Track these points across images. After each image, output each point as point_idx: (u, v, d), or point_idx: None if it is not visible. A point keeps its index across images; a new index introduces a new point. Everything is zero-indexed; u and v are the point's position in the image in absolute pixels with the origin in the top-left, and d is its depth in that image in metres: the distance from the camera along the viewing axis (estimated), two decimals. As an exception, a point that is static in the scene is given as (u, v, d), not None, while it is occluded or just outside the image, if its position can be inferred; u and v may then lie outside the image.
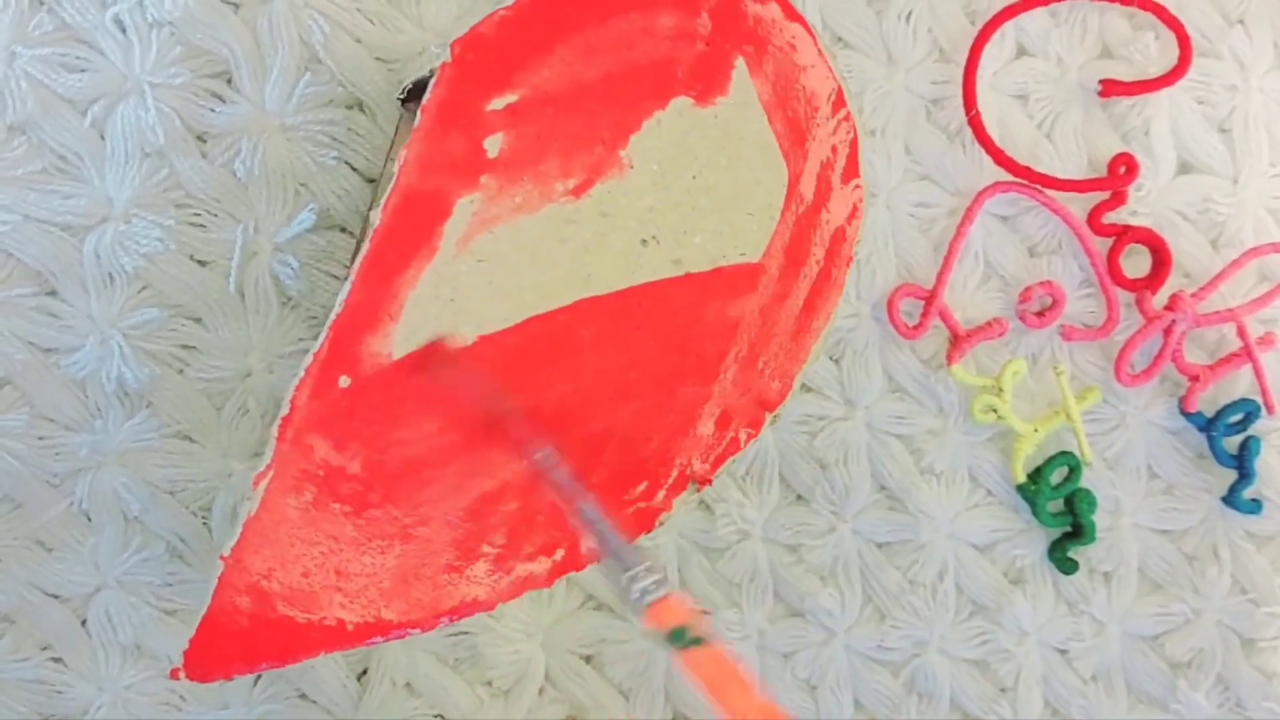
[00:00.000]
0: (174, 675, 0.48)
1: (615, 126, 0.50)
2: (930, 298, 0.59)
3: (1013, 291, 0.60)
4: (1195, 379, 0.60)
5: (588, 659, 0.60)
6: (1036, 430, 0.60)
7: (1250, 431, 0.61)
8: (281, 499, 0.48)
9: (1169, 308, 0.59)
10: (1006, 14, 0.58)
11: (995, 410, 0.59)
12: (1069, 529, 0.61)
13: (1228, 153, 0.61)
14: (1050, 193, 0.59)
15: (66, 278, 0.55)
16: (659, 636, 0.42)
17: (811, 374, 0.59)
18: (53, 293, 0.55)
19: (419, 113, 0.47)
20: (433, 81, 0.47)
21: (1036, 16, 0.60)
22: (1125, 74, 0.60)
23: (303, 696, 0.58)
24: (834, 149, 0.54)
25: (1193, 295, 0.59)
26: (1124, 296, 0.60)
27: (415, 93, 0.52)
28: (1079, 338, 0.60)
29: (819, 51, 0.52)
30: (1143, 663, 0.62)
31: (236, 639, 0.48)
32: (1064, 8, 0.60)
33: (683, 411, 0.53)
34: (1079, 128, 0.60)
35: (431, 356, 0.48)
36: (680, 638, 0.41)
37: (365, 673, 0.58)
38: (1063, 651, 0.62)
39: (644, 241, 0.51)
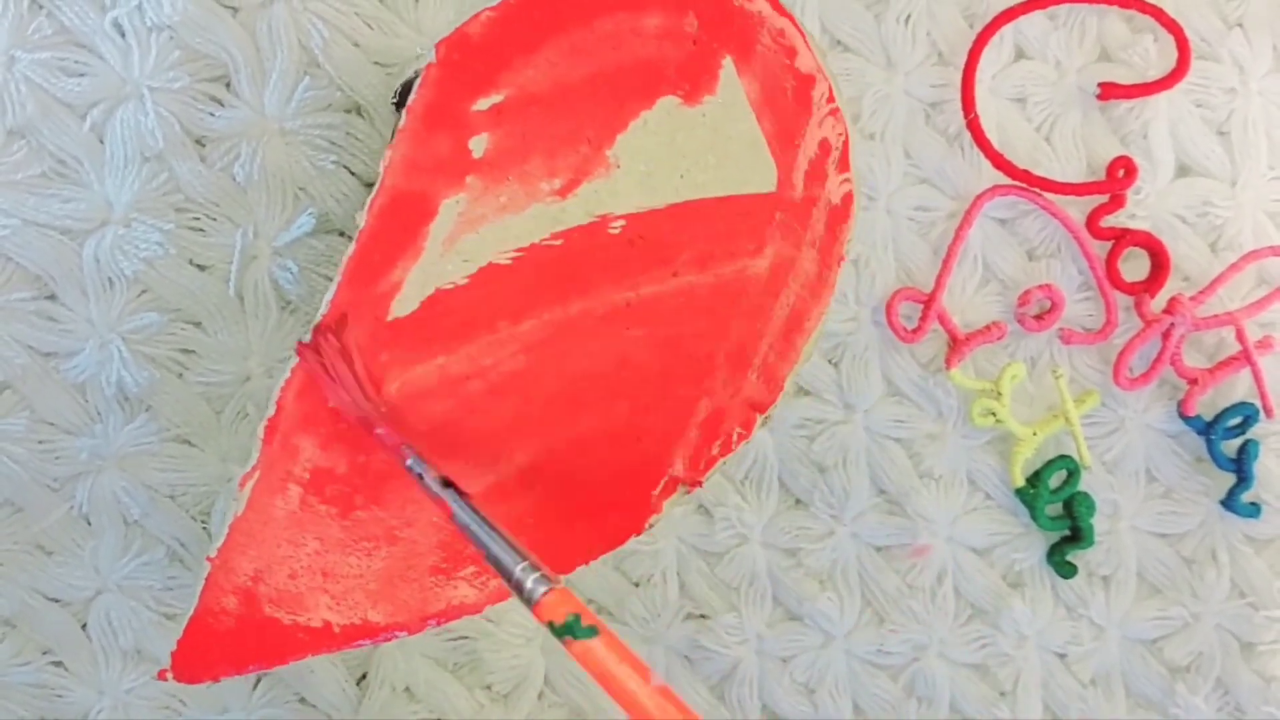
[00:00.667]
0: (161, 676, 0.48)
1: (601, 126, 0.50)
2: (929, 301, 0.59)
3: (1011, 295, 0.60)
4: (1194, 382, 0.60)
5: (587, 663, 0.60)
6: (1035, 434, 0.60)
7: (1249, 435, 0.61)
8: (268, 500, 0.48)
9: (1167, 311, 0.59)
10: (1005, 17, 0.58)
11: (994, 414, 0.59)
12: (1067, 533, 0.61)
13: (1226, 156, 0.61)
14: (1049, 196, 0.59)
15: (66, 282, 0.55)
16: (552, 630, 0.42)
17: (810, 377, 0.59)
18: (52, 297, 0.55)
19: (404, 114, 0.47)
20: (417, 83, 0.47)
21: (1035, 20, 0.60)
22: (1124, 77, 0.60)
23: (302, 701, 0.58)
24: (823, 146, 0.53)
25: (1191, 299, 0.59)
26: (1123, 300, 0.60)
27: (405, 95, 0.52)
28: (1078, 341, 0.60)
29: (808, 49, 0.52)
30: (1141, 666, 0.62)
31: (223, 640, 0.49)
32: (1062, 11, 0.60)
33: (673, 412, 0.53)
34: (1078, 131, 0.60)
35: (318, 340, 0.48)
36: (573, 629, 0.41)
37: (364, 677, 0.58)
38: (1061, 655, 0.62)
39: (631, 242, 0.51)
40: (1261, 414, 0.60)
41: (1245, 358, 0.60)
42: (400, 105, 0.53)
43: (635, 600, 0.59)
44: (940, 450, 0.61)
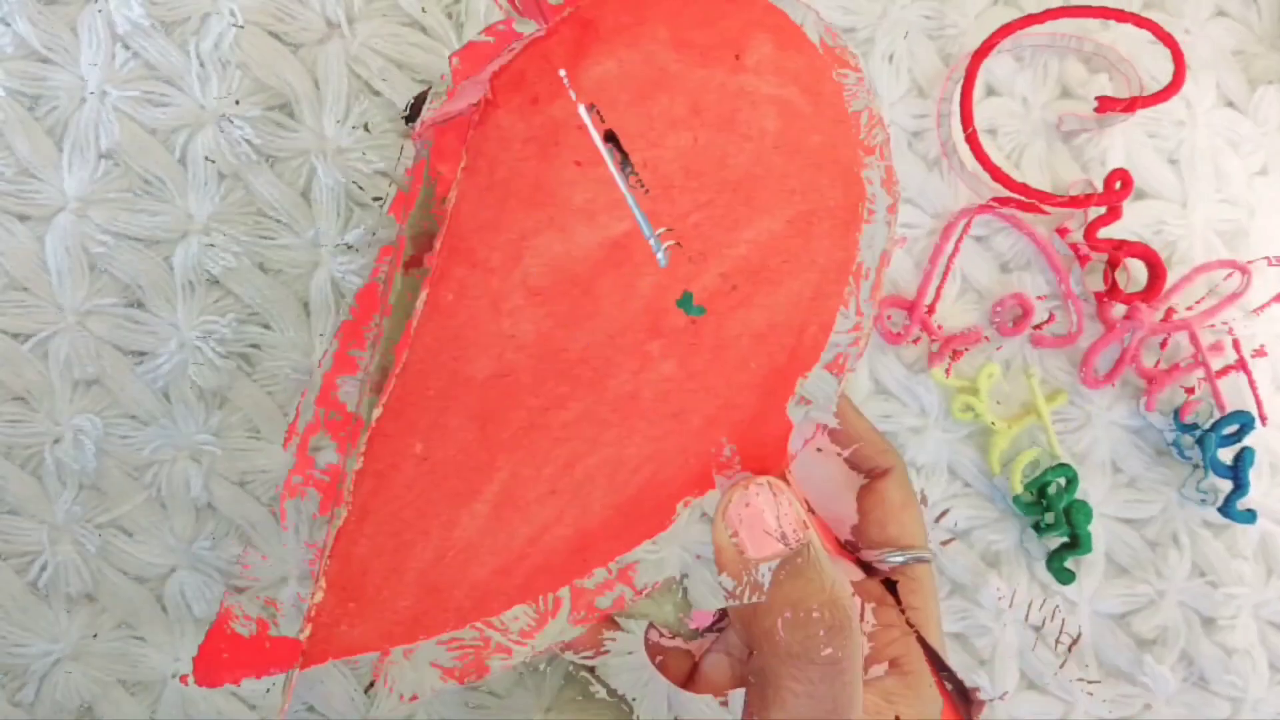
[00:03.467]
0: (183, 681, 0.45)
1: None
2: (913, 308, 0.61)
3: (987, 303, 0.63)
4: (1151, 381, 0.62)
5: (592, 669, 0.59)
6: (1010, 428, 0.62)
7: (1245, 443, 0.63)
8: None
9: (1128, 318, 0.61)
10: (995, 40, 0.60)
11: (972, 409, 0.62)
12: (1066, 540, 0.63)
13: (1177, 181, 0.64)
14: (1020, 214, 0.61)
15: (151, 289, 0.58)
16: None
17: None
18: (139, 303, 0.58)
19: (418, 125, 0.47)
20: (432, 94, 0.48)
21: (1003, 61, 0.62)
22: (1081, 112, 0.62)
23: (310, 709, 0.60)
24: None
25: (1149, 307, 0.61)
26: (1087, 308, 0.62)
27: (417, 110, 0.52)
28: (1048, 345, 0.63)
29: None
30: (1111, 639, 0.64)
31: (244, 645, 0.46)
32: (1027, 53, 0.63)
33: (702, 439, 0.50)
34: (1043, 158, 0.63)
35: None
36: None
37: (372, 685, 0.54)
38: (1037, 629, 0.63)
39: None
40: (1257, 421, 0.62)
41: (1196, 359, 0.62)
42: (410, 120, 0.56)
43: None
44: (923, 442, 0.63)
